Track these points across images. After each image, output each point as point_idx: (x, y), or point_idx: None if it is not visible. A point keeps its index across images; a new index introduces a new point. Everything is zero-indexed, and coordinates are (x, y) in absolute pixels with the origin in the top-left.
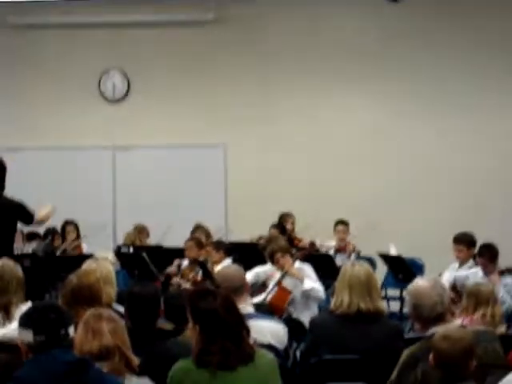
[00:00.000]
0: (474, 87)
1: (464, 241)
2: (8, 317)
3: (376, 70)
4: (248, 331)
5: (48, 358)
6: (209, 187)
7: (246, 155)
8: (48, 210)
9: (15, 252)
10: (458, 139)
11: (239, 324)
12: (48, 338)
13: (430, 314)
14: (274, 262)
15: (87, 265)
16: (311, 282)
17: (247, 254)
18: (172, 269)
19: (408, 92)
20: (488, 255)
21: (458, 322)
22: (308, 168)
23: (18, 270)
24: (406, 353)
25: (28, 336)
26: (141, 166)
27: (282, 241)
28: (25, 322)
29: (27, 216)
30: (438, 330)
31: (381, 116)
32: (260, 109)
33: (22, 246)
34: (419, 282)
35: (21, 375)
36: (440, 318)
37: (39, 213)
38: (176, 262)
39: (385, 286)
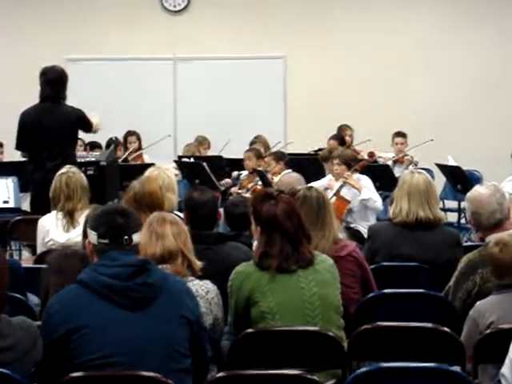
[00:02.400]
0: None
1: None
2: (72, 222)
3: None
4: (308, 237)
5: (109, 262)
6: (269, 100)
7: (305, 67)
8: (97, 118)
9: (79, 160)
10: None
11: (298, 229)
12: (111, 242)
13: (489, 222)
14: (332, 171)
15: (150, 172)
16: (369, 192)
17: (306, 165)
18: (230, 180)
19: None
20: None
21: None
22: (368, 81)
23: (83, 178)
24: (464, 260)
25: (93, 238)
26: (201, 77)
27: (347, 150)
28: (91, 223)
29: (87, 124)
30: (497, 236)
31: (443, 24)
32: (321, 20)
33: (85, 155)
34: (478, 189)
35: (83, 278)
36: (499, 225)
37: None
38: (235, 173)
39: (443, 197)
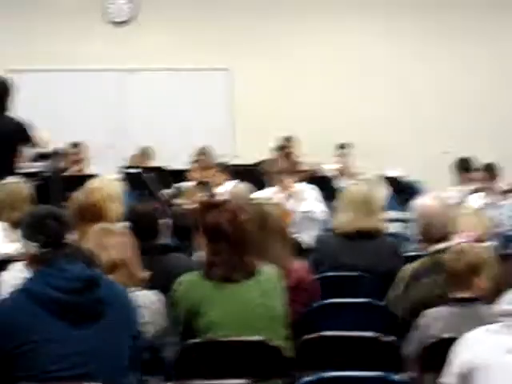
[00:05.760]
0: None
1: (461, 167)
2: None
3: None
4: (253, 247)
5: (57, 272)
6: (215, 112)
7: (250, 79)
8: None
9: (24, 171)
10: (473, 67)
11: (243, 238)
12: (53, 250)
13: (440, 233)
14: (276, 182)
15: (93, 182)
16: (311, 203)
17: (250, 176)
18: (173, 190)
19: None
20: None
21: (459, 238)
22: (313, 91)
23: (26, 187)
24: (407, 269)
25: (32, 248)
26: (147, 89)
27: (285, 163)
28: (27, 233)
29: (28, 137)
30: (439, 246)
31: (396, 43)
32: (265, 32)
33: (29, 165)
34: (428, 202)
35: (30, 287)
36: (446, 236)
37: (42, 135)
38: (176, 184)
39: (386, 208)
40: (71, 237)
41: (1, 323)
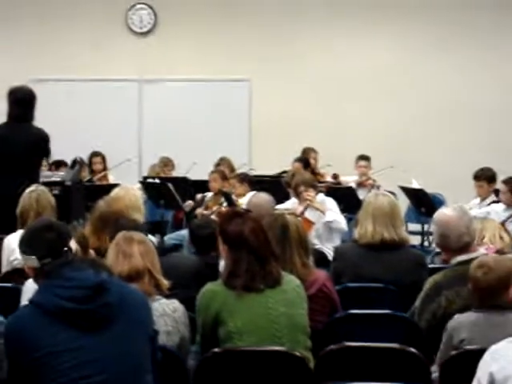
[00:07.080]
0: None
1: (484, 176)
2: None
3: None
4: (276, 256)
5: (65, 282)
6: (233, 122)
7: (270, 91)
8: None
9: (44, 180)
10: (483, 76)
11: (265, 248)
12: (55, 260)
13: (457, 244)
14: (297, 194)
15: (115, 192)
16: (333, 214)
17: (270, 187)
18: (192, 202)
19: (433, 25)
20: (510, 186)
21: (481, 250)
22: (332, 104)
23: (51, 196)
24: (429, 281)
25: (34, 262)
26: (166, 99)
27: (306, 174)
28: (25, 249)
29: (47, 149)
30: (462, 258)
31: (405, 52)
32: (286, 45)
33: (50, 175)
34: (446, 212)
35: (38, 300)
36: (466, 248)
37: None
38: (199, 194)
39: (406, 220)
40: (72, 246)
41: (12, 339)
